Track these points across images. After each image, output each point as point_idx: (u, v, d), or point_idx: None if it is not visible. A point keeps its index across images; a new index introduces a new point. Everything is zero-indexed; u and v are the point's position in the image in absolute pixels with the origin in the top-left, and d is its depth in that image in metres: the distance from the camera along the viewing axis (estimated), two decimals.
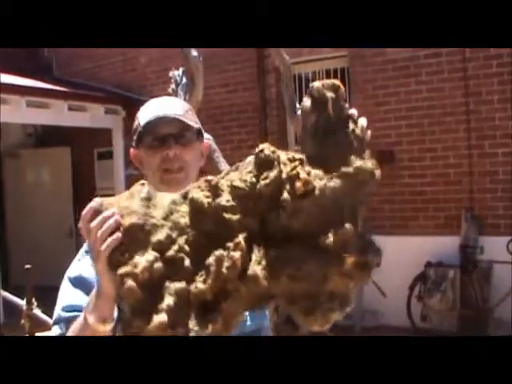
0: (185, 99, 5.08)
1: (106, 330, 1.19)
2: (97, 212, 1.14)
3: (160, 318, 1.03)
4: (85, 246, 1.53)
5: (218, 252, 1.06)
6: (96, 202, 1.16)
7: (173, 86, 6.10)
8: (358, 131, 1.16)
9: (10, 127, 10.37)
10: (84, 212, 1.15)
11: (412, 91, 7.27)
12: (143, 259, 1.07)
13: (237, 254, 1.04)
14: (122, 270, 1.07)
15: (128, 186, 1.21)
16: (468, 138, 6.92)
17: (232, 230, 1.08)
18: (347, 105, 1.19)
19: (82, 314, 1.25)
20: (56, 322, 1.46)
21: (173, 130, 1.56)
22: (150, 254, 1.07)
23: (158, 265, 1.07)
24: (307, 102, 1.17)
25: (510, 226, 6.61)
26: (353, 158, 1.12)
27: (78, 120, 9.07)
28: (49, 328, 3.84)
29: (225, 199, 1.09)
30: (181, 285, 1.06)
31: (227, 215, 1.08)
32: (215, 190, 1.10)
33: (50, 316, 4.00)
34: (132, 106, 9.39)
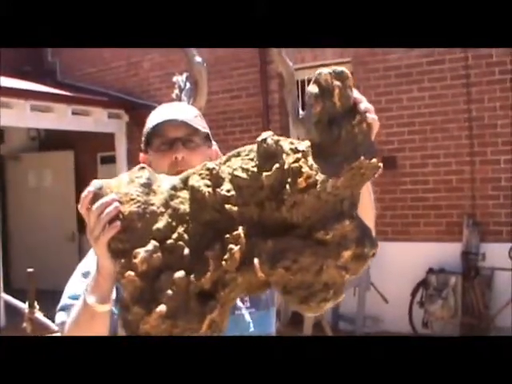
0: (188, 104, 5.09)
1: (104, 310, 1.22)
2: (96, 195, 1.15)
3: (160, 307, 1.04)
4: None
5: (218, 244, 1.06)
6: (96, 184, 1.17)
7: (176, 91, 6.12)
8: (364, 125, 1.13)
9: (13, 131, 10.40)
10: (84, 194, 1.18)
11: (414, 98, 7.27)
12: (142, 250, 1.07)
13: (236, 248, 1.04)
14: (122, 261, 1.08)
15: None
16: (470, 144, 6.93)
17: (232, 220, 1.07)
18: (356, 93, 1.16)
19: (81, 297, 1.28)
20: (61, 309, 1.49)
21: (181, 134, 1.58)
22: (150, 244, 1.08)
23: (157, 255, 1.07)
24: (314, 88, 1.15)
25: None
26: (356, 151, 1.09)
27: (81, 124, 9.09)
28: (51, 331, 3.86)
29: (225, 189, 1.09)
30: (180, 274, 1.06)
31: (228, 206, 1.08)
32: (216, 179, 1.10)
33: (52, 319, 4.00)
34: (135, 111, 9.42)
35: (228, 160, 1.12)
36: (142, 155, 1.68)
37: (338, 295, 1.09)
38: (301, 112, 5.99)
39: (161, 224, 1.10)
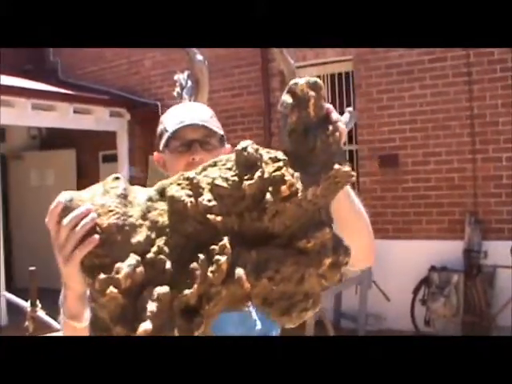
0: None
1: (81, 326, 1.15)
2: (66, 208, 1.04)
3: (145, 325, 0.97)
4: None
5: (203, 256, 1.01)
6: (65, 196, 1.06)
7: (178, 89, 6.12)
8: (336, 134, 1.14)
9: (13, 129, 10.41)
10: (52, 207, 1.05)
11: (416, 95, 7.27)
12: (125, 264, 0.99)
13: (223, 259, 1.00)
14: (102, 277, 0.98)
15: None
16: (472, 142, 6.92)
17: (215, 231, 1.03)
18: (327, 104, 1.18)
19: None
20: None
21: (199, 135, 1.61)
22: (132, 258, 1.00)
23: (140, 269, 1.00)
24: (288, 98, 1.14)
25: None
26: (331, 160, 1.10)
27: (82, 123, 9.10)
28: (53, 330, 3.86)
29: (206, 199, 1.04)
30: (164, 289, 0.99)
31: (211, 216, 1.03)
32: (196, 189, 1.05)
33: (54, 318, 4.02)
34: (136, 109, 9.42)
35: (204, 170, 1.08)
36: (155, 154, 1.70)
37: (316, 304, 1.06)
38: None
39: (141, 237, 1.02)
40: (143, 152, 9.05)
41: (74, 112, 8.81)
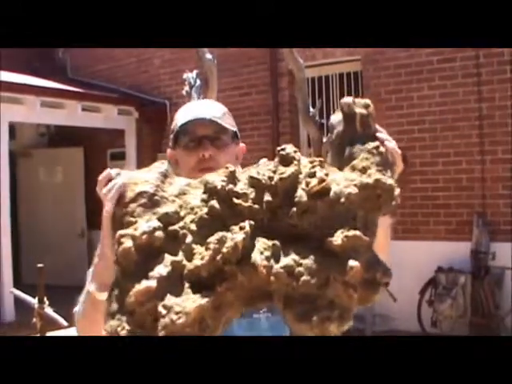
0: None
1: (104, 299, 1.15)
2: (111, 178, 1.21)
3: (148, 283, 1.01)
4: None
5: (221, 232, 1.04)
6: (114, 170, 1.23)
7: (187, 88, 6.14)
8: (382, 149, 1.16)
9: (23, 127, 10.45)
10: (100, 176, 1.22)
11: (425, 96, 7.25)
12: (145, 224, 1.07)
13: (239, 237, 1.02)
14: (122, 231, 1.08)
15: None
16: (480, 143, 6.90)
17: (241, 216, 1.06)
18: (377, 125, 1.23)
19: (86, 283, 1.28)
20: None
21: (209, 131, 1.60)
22: (154, 222, 1.08)
23: (159, 233, 1.06)
24: (337, 116, 1.23)
25: None
26: (373, 171, 1.12)
27: (91, 120, 9.13)
28: (60, 327, 3.87)
29: (239, 187, 1.09)
30: (178, 258, 1.04)
31: (238, 201, 1.07)
32: (232, 178, 1.11)
33: (62, 315, 4.01)
34: (145, 108, 9.44)
35: (247, 169, 1.15)
36: (169, 151, 1.69)
37: (345, 320, 1.02)
38: (311, 110, 5.98)
39: (168, 209, 1.10)
40: (151, 150, 9.07)
41: (83, 110, 8.84)
